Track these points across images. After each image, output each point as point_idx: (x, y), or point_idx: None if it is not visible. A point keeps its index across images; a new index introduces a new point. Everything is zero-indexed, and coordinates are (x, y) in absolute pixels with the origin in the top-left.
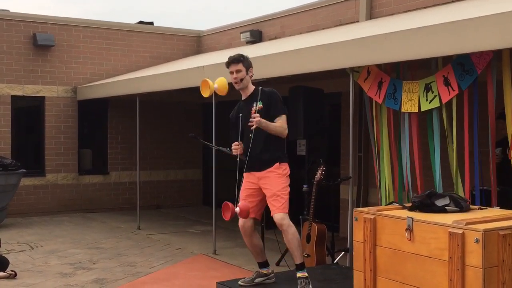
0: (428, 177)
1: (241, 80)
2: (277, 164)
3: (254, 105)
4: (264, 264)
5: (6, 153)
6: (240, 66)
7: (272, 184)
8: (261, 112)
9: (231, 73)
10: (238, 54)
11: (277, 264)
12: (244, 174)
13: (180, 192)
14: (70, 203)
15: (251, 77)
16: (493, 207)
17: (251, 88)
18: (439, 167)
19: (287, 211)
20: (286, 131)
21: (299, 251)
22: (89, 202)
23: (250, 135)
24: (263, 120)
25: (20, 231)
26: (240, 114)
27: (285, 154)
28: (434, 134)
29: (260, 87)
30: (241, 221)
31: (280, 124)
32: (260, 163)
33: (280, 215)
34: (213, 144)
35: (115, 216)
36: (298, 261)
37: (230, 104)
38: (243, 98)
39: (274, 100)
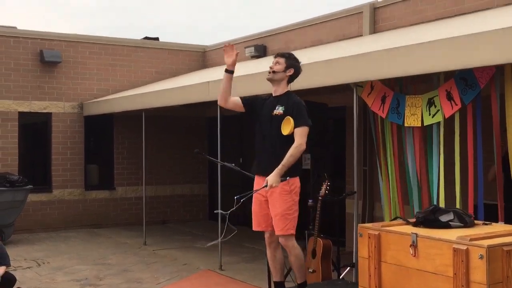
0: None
1: (274, 72)
2: (285, 179)
3: (277, 108)
4: (280, 285)
5: (13, 169)
6: (281, 60)
7: (277, 201)
8: (280, 118)
9: (272, 63)
10: (288, 52)
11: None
12: (256, 177)
13: (186, 207)
14: (77, 218)
15: (287, 77)
16: (498, 222)
17: (283, 88)
18: (438, 182)
19: (292, 231)
20: (302, 147)
21: (301, 272)
22: (96, 218)
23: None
24: (275, 175)
25: (27, 247)
26: (264, 109)
27: (297, 167)
28: (434, 148)
29: (290, 92)
30: (267, 234)
31: (292, 149)
32: (268, 170)
33: (283, 238)
34: (218, 160)
35: (121, 231)
36: (298, 281)
37: (235, 119)
38: (273, 94)
39: (296, 110)
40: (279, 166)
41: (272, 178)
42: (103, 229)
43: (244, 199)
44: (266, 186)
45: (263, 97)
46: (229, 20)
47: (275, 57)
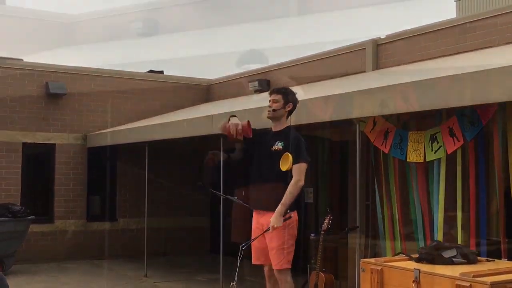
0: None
1: (274, 110)
2: (290, 217)
3: (276, 143)
4: None
5: (16, 199)
6: (278, 97)
7: (273, 236)
8: (279, 153)
9: (269, 101)
10: (283, 87)
11: None
12: (254, 213)
13: (188, 239)
14: (78, 250)
15: (287, 112)
16: (502, 259)
17: (284, 124)
18: (438, 216)
19: (288, 266)
20: (301, 183)
21: None
22: (97, 249)
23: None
24: (277, 216)
25: (28, 278)
26: (263, 144)
27: (295, 201)
28: (435, 184)
29: (290, 127)
30: (266, 267)
31: (291, 186)
32: (265, 204)
33: (278, 271)
34: (221, 193)
35: (122, 263)
36: None
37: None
38: (273, 130)
39: (295, 146)
40: (280, 207)
41: (274, 220)
42: (104, 261)
43: (245, 246)
44: (269, 229)
45: (265, 132)
46: (233, 54)
47: (270, 93)
